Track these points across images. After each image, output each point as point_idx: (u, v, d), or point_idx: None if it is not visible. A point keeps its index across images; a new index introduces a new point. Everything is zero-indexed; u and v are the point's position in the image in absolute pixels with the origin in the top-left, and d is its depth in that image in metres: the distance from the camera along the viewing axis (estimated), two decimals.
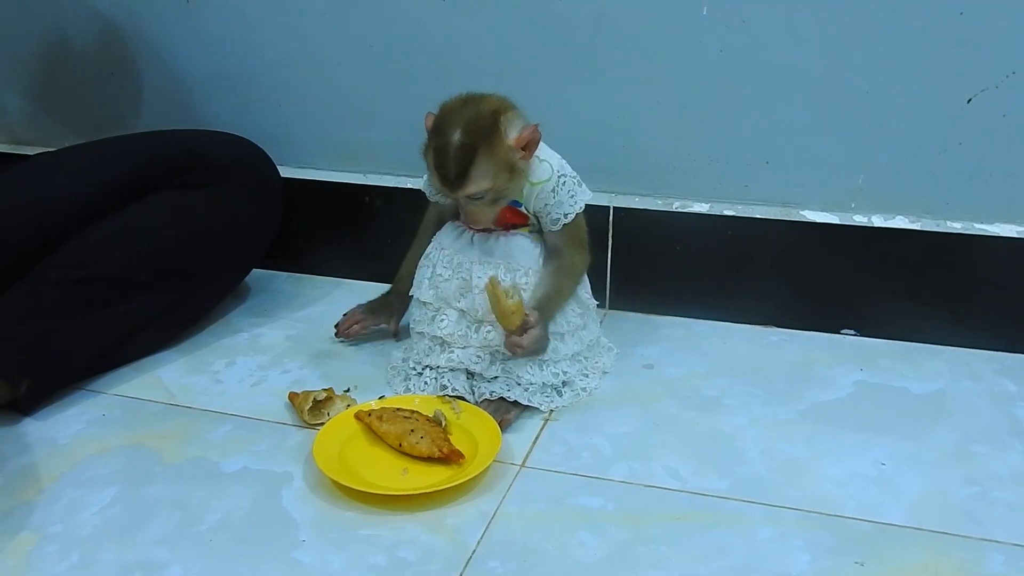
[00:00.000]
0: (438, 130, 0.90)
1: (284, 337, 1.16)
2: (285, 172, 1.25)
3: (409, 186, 1.24)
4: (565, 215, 0.96)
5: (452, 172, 0.88)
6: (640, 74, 1.12)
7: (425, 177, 0.99)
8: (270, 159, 1.20)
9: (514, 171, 0.91)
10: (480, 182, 0.89)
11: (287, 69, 1.27)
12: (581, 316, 1.01)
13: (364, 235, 1.30)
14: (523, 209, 0.97)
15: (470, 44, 1.17)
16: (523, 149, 0.91)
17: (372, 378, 1.05)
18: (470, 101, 0.91)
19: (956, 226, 1.08)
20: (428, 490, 0.83)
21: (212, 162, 1.13)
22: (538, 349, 0.94)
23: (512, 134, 0.90)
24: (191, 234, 1.11)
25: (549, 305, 0.95)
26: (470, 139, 0.88)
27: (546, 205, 0.96)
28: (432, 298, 0.99)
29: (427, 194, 1.03)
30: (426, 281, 1.00)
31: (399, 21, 1.19)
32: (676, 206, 1.16)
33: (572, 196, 0.96)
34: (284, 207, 1.23)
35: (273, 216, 1.21)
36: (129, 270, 1.06)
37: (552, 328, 0.97)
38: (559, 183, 0.95)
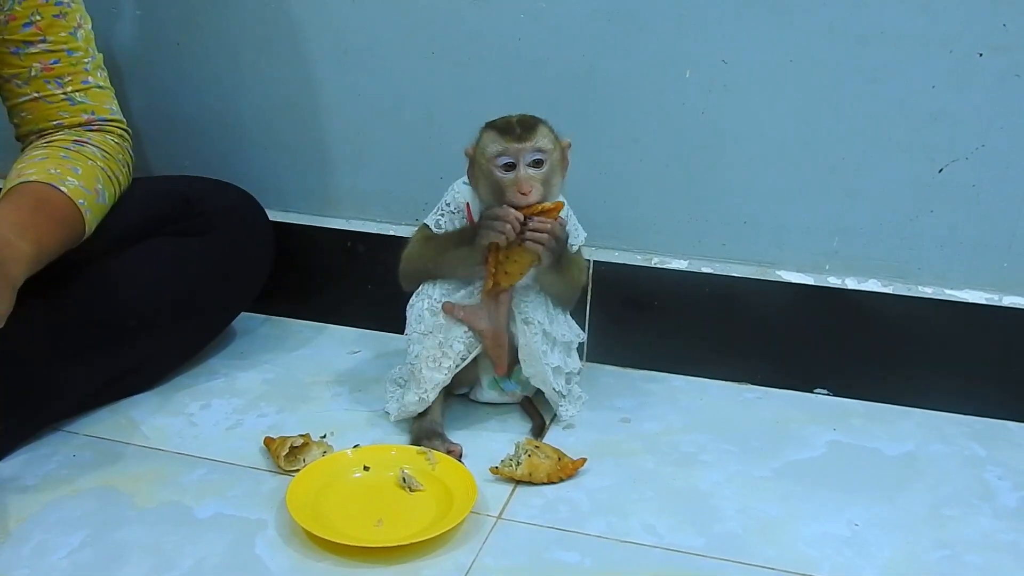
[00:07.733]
0: (496, 119, 0.98)
1: (261, 381, 1.16)
2: (269, 216, 1.25)
3: (392, 233, 1.25)
4: (572, 243, 1.03)
5: (518, 128, 0.96)
6: (625, 133, 1.15)
7: (437, 212, 1.02)
8: (261, 207, 1.21)
9: (562, 160, 0.99)
10: (544, 138, 0.96)
11: (276, 114, 1.28)
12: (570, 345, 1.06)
13: (346, 281, 1.30)
14: None
15: (458, 99, 1.19)
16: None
17: (349, 424, 1.05)
18: None
19: (927, 291, 1.11)
20: (404, 542, 0.83)
21: (207, 209, 1.13)
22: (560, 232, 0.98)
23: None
24: (185, 281, 1.10)
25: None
26: (533, 116, 0.98)
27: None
28: (432, 327, 1.01)
29: (437, 225, 1.03)
30: (426, 312, 1.01)
31: (389, 73, 1.21)
32: (655, 262, 1.18)
33: (576, 228, 1.05)
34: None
35: (264, 264, 1.21)
36: (121, 317, 1.05)
37: (545, 326, 1.01)
38: (568, 212, 1.03)
